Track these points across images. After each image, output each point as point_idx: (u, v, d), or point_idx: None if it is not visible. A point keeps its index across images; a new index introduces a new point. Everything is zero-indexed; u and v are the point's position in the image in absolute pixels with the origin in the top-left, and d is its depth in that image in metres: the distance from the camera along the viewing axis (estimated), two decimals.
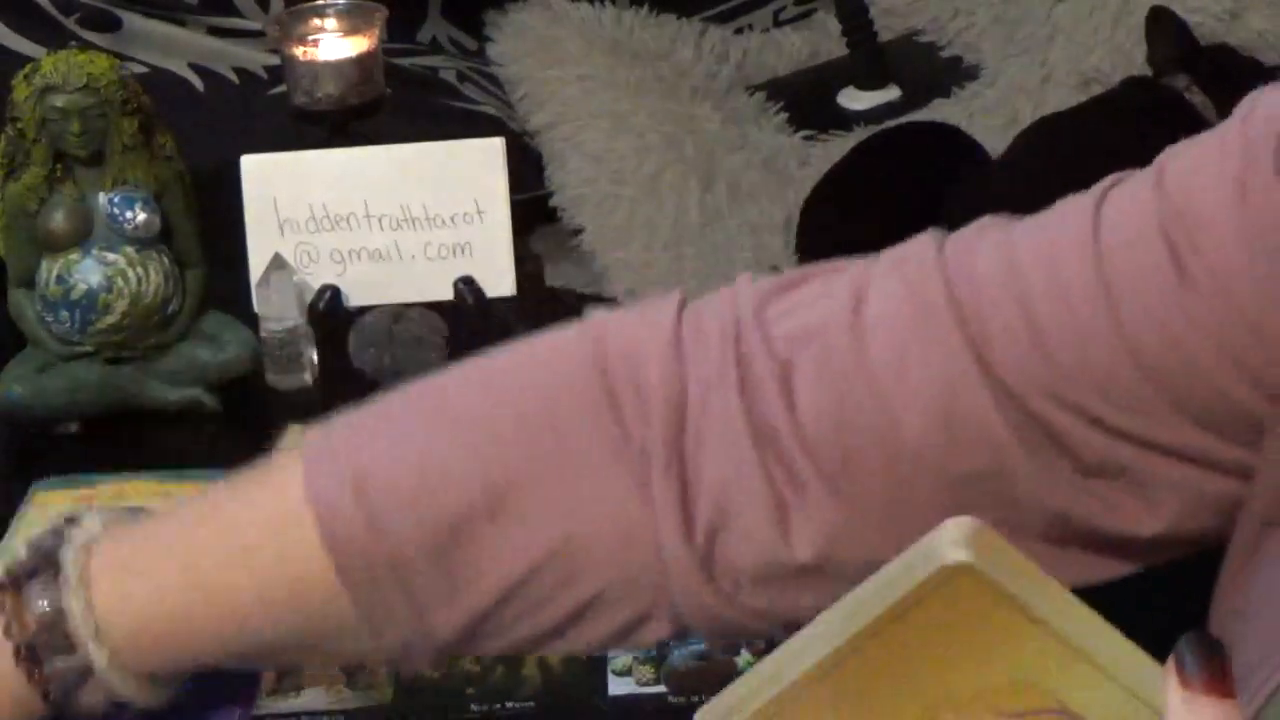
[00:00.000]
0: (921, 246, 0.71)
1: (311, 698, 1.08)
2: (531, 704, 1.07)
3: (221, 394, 1.39)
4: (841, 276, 0.73)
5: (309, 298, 1.40)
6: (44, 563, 0.77)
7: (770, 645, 0.60)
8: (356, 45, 1.51)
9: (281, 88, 1.64)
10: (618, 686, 1.07)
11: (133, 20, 2.33)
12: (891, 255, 0.73)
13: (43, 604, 0.76)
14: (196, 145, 1.48)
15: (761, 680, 0.57)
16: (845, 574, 0.65)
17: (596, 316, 0.75)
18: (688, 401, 0.70)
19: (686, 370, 0.71)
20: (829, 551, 0.70)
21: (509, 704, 1.07)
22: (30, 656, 0.76)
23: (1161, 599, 1.06)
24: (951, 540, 0.59)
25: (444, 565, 0.72)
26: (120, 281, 1.36)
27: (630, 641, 0.75)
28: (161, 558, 0.76)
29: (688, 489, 0.70)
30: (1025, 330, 0.67)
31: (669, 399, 0.70)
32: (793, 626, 0.65)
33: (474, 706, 1.07)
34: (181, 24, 2.38)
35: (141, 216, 1.36)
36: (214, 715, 0.80)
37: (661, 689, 1.07)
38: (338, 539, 0.72)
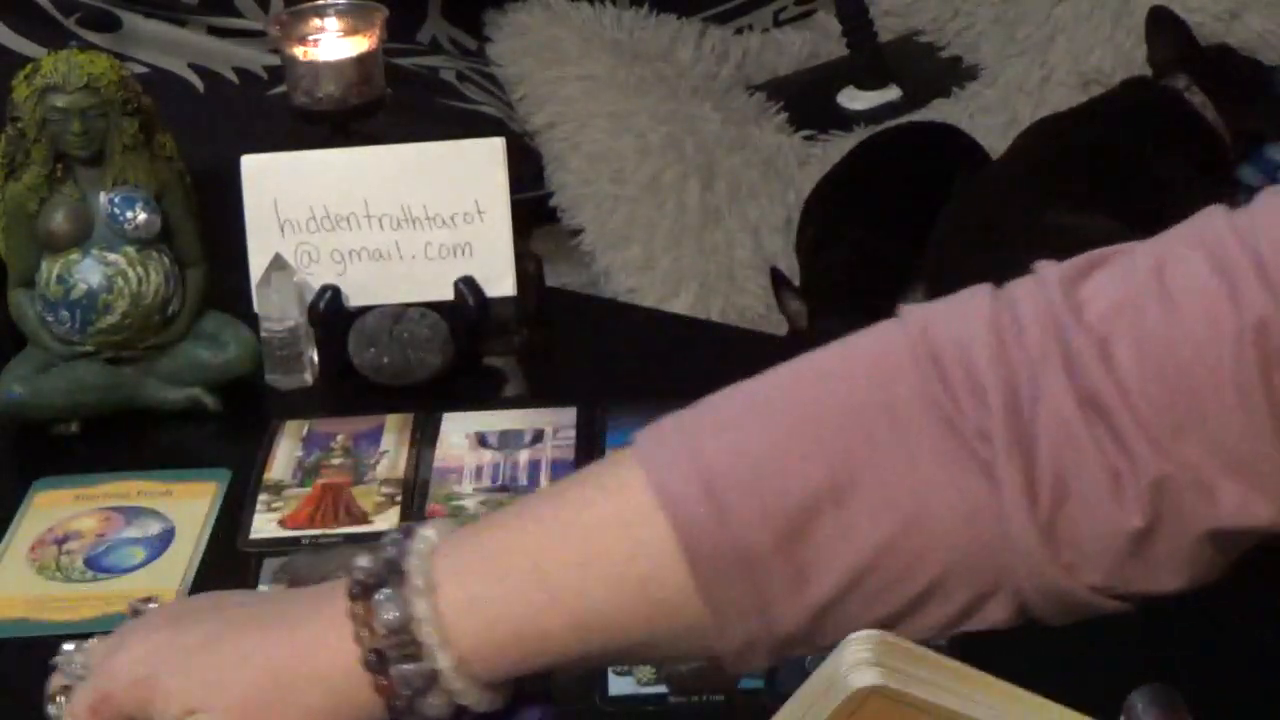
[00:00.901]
0: (1210, 216, 0.77)
1: None
2: None
3: (221, 394, 1.39)
4: (1135, 255, 0.76)
5: (309, 298, 1.40)
6: (390, 571, 0.78)
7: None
8: (356, 45, 1.51)
9: (281, 88, 1.64)
10: (618, 686, 1.07)
11: (133, 20, 2.34)
12: (1181, 228, 0.78)
13: (392, 612, 0.77)
14: (196, 145, 1.48)
15: None
16: (1176, 541, 0.70)
17: (913, 310, 0.78)
18: (1019, 383, 0.73)
19: (1011, 354, 0.74)
20: (1158, 514, 0.72)
21: None
22: (378, 663, 0.78)
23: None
24: (857, 662, 0.60)
25: (790, 554, 0.74)
26: (120, 281, 1.36)
27: (968, 624, 0.77)
28: (506, 563, 0.78)
29: (1030, 466, 0.72)
30: None
31: (1001, 381, 0.73)
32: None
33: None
34: (181, 24, 2.39)
35: (142, 216, 1.36)
36: (523, 712, 0.81)
37: (661, 689, 1.07)
38: (690, 534, 0.74)
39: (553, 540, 0.78)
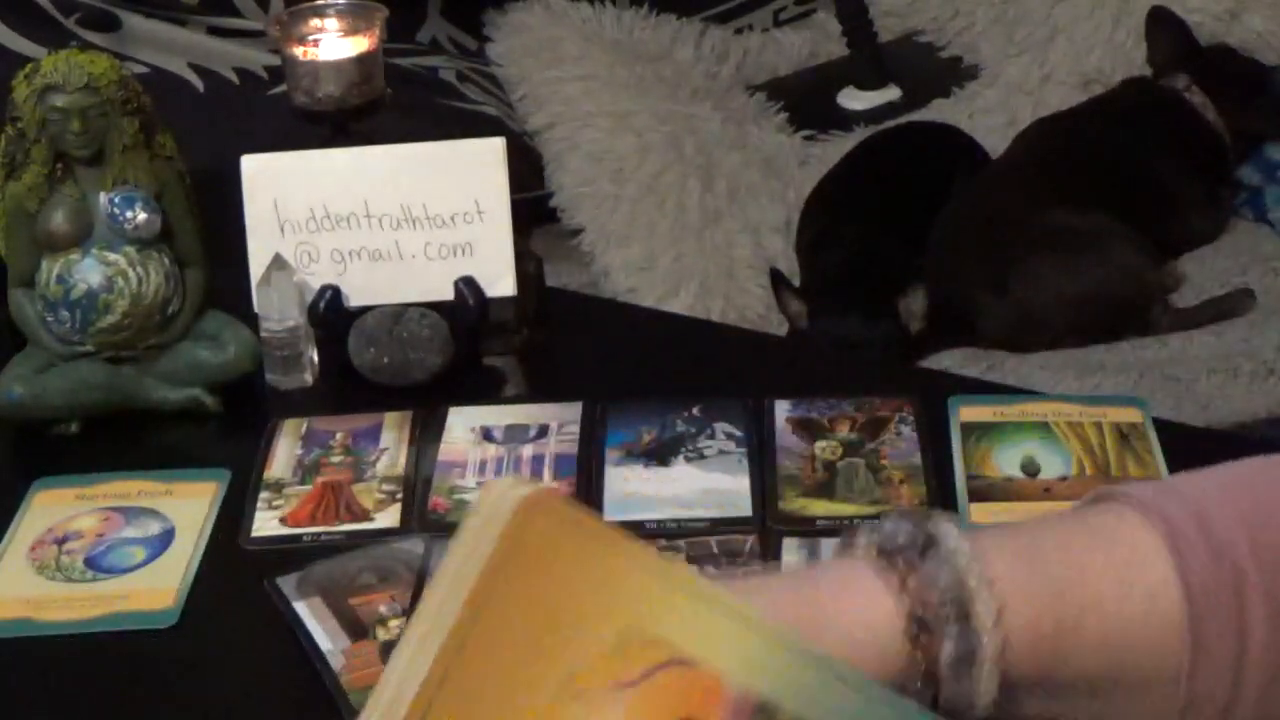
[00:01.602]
0: None
1: None
2: None
3: (221, 394, 1.39)
4: None
5: (309, 298, 1.40)
6: (927, 539, 0.75)
7: None
8: (356, 45, 1.51)
9: (281, 88, 1.64)
10: None
11: (133, 20, 2.34)
12: None
13: (944, 576, 0.74)
14: (196, 145, 1.48)
15: (400, 679, 0.58)
16: None
17: None
18: None
19: None
20: None
21: None
22: (923, 630, 0.74)
23: None
24: (508, 485, 0.60)
25: (1274, 589, 0.75)
26: (120, 281, 1.36)
27: None
28: (1050, 558, 0.76)
29: None
30: None
31: None
32: None
33: None
34: (181, 24, 2.39)
35: (142, 216, 1.36)
36: None
37: None
38: (1185, 560, 0.75)
39: (1082, 550, 0.76)
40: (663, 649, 0.60)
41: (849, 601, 0.75)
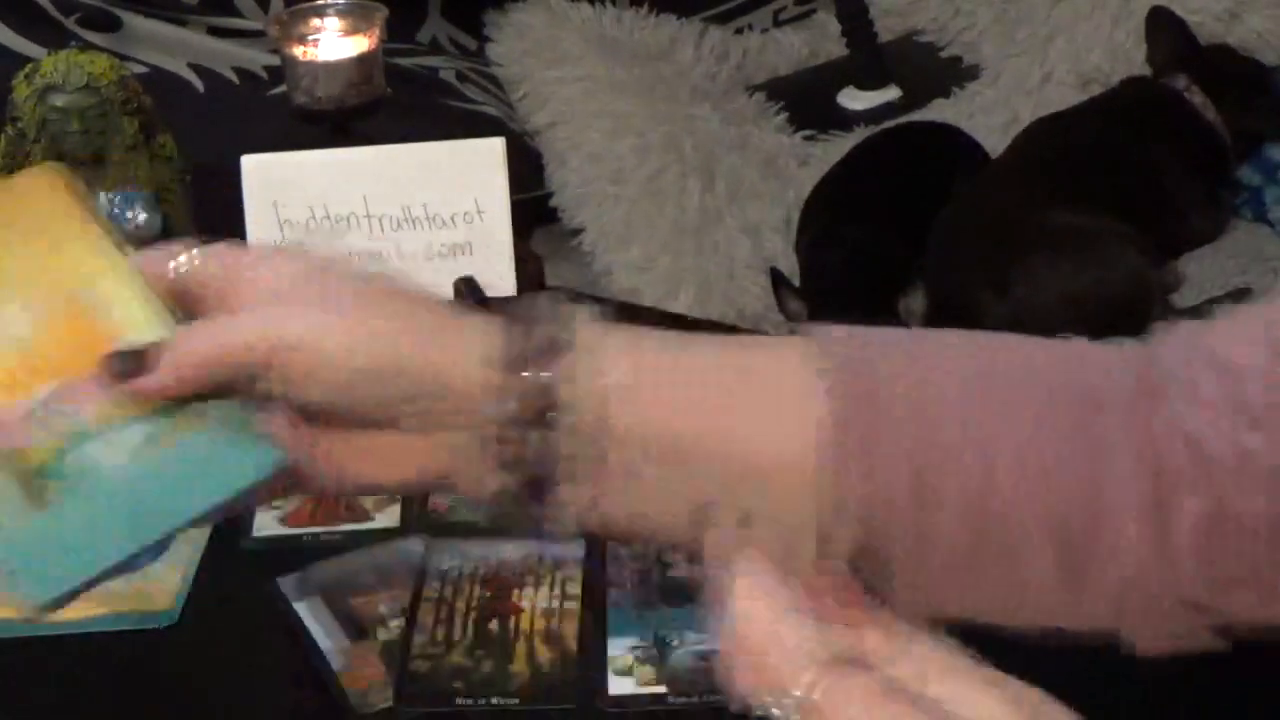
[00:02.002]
0: None
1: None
2: (516, 700, 1.07)
3: None
4: None
5: None
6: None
7: None
8: (356, 45, 1.51)
9: (281, 88, 1.64)
10: (618, 686, 1.07)
11: (133, 20, 2.34)
12: None
13: (544, 331, 0.73)
14: (196, 145, 1.48)
15: None
16: None
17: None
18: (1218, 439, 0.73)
19: (1222, 421, 0.73)
20: None
21: (494, 700, 1.07)
22: (513, 361, 0.72)
23: None
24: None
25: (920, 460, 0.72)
26: None
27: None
28: (667, 356, 0.76)
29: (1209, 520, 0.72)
30: None
31: (1205, 430, 0.73)
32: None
33: (459, 700, 1.07)
34: (181, 24, 2.39)
35: (142, 216, 1.36)
36: None
37: (661, 689, 1.07)
38: (843, 420, 0.72)
39: (718, 354, 0.76)
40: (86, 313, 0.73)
41: (453, 332, 0.73)
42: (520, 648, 1.10)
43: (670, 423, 0.73)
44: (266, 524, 1.25)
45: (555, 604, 1.13)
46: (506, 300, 0.76)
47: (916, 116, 2.59)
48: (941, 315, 2.15)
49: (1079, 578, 0.74)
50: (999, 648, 0.73)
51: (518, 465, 0.72)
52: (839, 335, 0.75)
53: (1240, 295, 2.15)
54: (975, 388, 0.77)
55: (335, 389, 0.72)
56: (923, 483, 0.73)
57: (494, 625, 1.12)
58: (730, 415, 0.74)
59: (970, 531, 0.73)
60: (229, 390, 0.73)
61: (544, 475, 0.72)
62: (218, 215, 1.42)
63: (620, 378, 0.73)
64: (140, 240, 1.36)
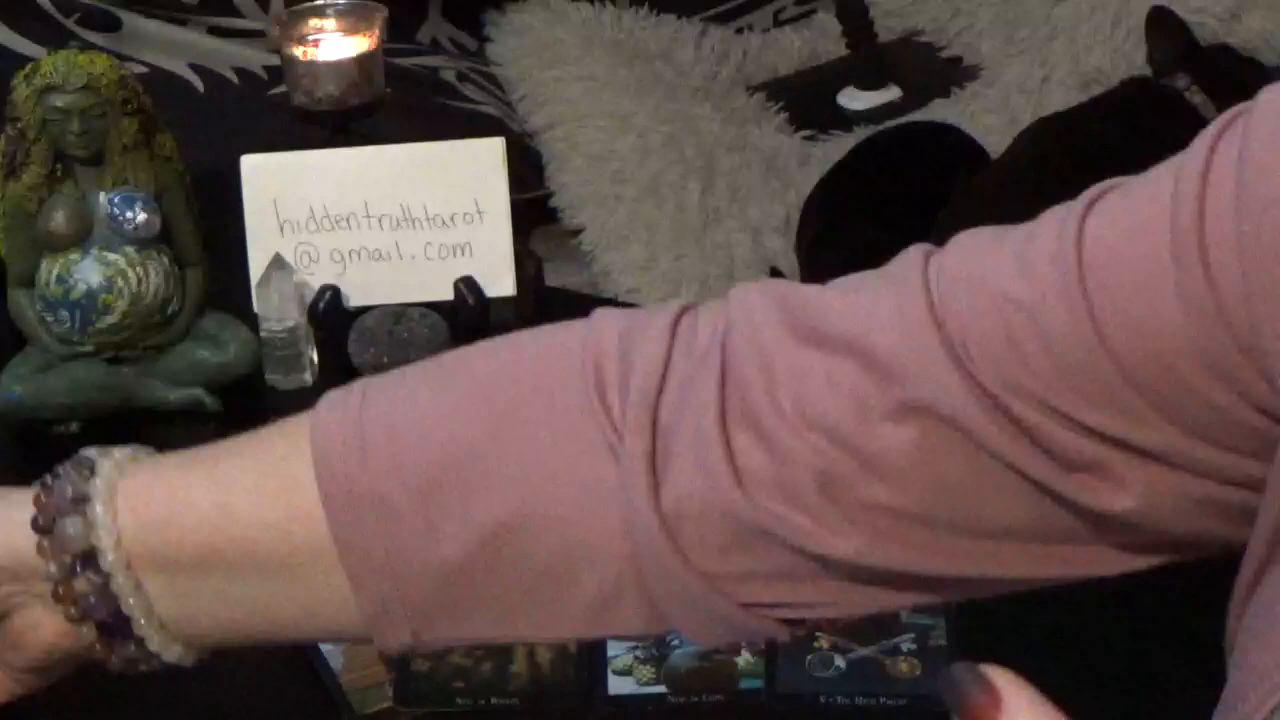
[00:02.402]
0: (907, 261, 0.73)
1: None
2: (516, 701, 1.07)
3: (221, 394, 1.39)
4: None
5: (309, 298, 1.40)
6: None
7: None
8: (356, 45, 1.51)
9: (281, 88, 1.64)
10: (618, 686, 1.07)
11: (133, 20, 2.34)
12: (884, 269, 0.74)
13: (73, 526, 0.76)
14: (196, 145, 1.48)
15: None
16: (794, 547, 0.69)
17: (605, 311, 0.77)
18: (668, 376, 0.72)
19: (674, 353, 0.73)
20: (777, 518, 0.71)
21: (494, 700, 1.07)
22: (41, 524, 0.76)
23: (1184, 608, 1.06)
24: None
25: (424, 510, 0.73)
26: (120, 281, 1.36)
27: (606, 624, 0.75)
28: (187, 480, 0.78)
29: (656, 455, 0.71)
30: (1001, 337, 0.67)
31: (650, 373, 0.72)
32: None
33: (459, 701, 1.07)
34: (181, 24, 2.39)
35: (141, 216, 1.36)
36: None
37: (661, 689, 1.07)
38: (329, 472, 0.74)
39: (232, 467, 0.78)
40: None
41: None
42: (520, 648, 1.10)
43: (190, 541, 0.76)
44: None
45: None
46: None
47: (916, 116, 2.59)
48: None
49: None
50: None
51: (83, 616, 0.76)
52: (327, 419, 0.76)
53: None
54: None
55: None
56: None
57: None
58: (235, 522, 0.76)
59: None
60: None
61: (113, 616, 0.77)
62: (218, 215, 1.42)
63: (136, 512, 0.77)
64: (140, 240, 1.36)
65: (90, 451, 0.78)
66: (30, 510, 0.76)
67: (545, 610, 0.75)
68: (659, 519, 0.71)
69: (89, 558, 0.75)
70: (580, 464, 0.73)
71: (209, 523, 0.76)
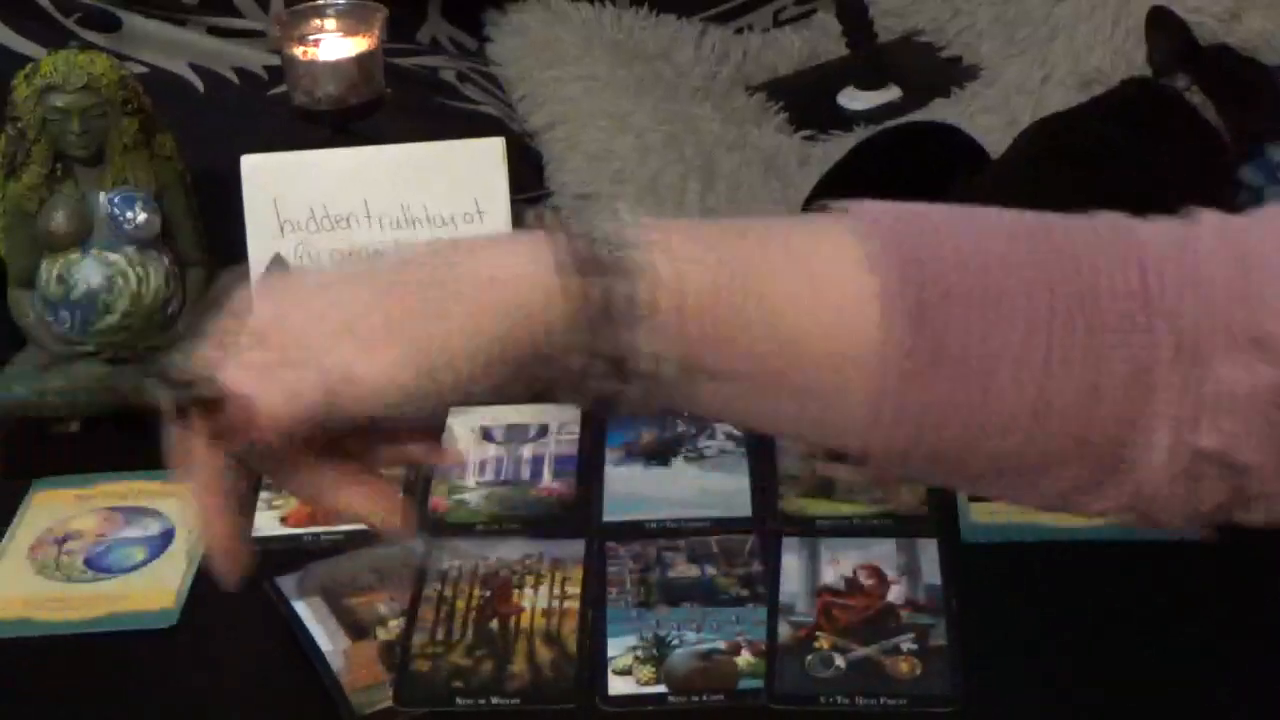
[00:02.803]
0: None
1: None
2: (516, 701, 1.07)
3: None
4: None
5: None
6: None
7: None
8: (356, 45, 1.51)
9: (281, 88, 1.64)
10: (618, 686, 1.07)
11: (133, 20, 2.33)
12: None
13: (602, 225, 0.78)
14: (196, 145, 1.48)
15: None
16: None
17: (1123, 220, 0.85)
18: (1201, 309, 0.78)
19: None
20: None
21: (494, 700, 1.07)
22: (577, 269, 0.74)
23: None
24: None
25: (971, 340, 0.75)
26: (120, 281, 1.36)
27: (1077, 501, 0.78)
28: (722, 247, 0.77)
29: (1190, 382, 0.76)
30: None
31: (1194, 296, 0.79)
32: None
33: (459, 701, 1.07)
34: (181, 24, 2.38)
35: (141, 216, 1.36)
36: None
37: (661, 689, 1.07)
38: (885, 285, 0.74)
39: (766, 248, 0.77)
40: None
41: (491, 249, 0.75)
42: (520, 647, 1.10)
43: (725, 319, 0.74)
44: (266, 524, 1.25)
45: (555, 604, 1.14)
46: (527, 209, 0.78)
47: (916, 116, 2.58)
48: None
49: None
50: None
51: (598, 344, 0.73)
52: (878, 213, 0.77)
53: None
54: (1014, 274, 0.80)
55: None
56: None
57: (494, 625, 1.12)
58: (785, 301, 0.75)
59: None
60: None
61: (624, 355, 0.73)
62: (218, 215, 1.42)
63: (690, 276, 0.74)
64: (140, 240, 1.36)
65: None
66: (552, 249, 0.74)
67: (1032, 480, 0.77)
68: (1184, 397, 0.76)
69: (625, 305, 0.73)
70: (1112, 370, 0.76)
71: (761, 334, 0.74)
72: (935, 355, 0.74)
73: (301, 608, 1.15)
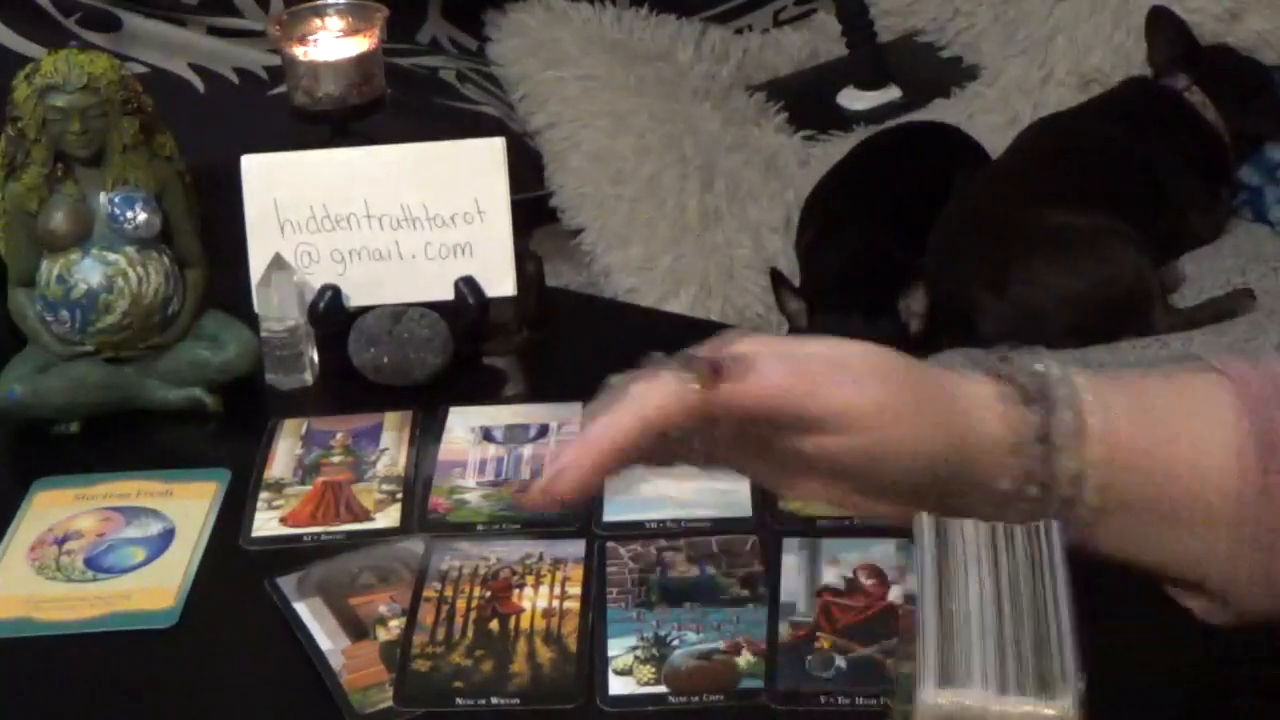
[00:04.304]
0: None
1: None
2: (516, 701, 1.07)
3: (221, 394, 1.39)
4: None
5: (309, 298, 1.40)
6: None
7: None
8: (356, 45, 1.51)
9: (281, 88, 1.64)
10: (618, 686, 1.07)
11: (133, 20, 2.34)
12: None
13: (1041, 369, 0.87)
14: (196, 145, 1.48)
15: None
16: None
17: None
18: None
19: None
20: None
21: (494, 700, 1.07)
22: (1027, 400, 0.86)
23: None
24: None
25: None
26: (120, 281, 1.36)
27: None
28: (1130, 393, 0.87)
29: None
30: None
31: None
32: None
33: (459, 701, 1.07)
34: (181, 24, 2.39)
35: (141, 216, 1.36)
36: None
37: (662, 689, 1.07)
38: (1256, 421, 0.86)
39: (1167, 393, 0.88)
40: None
41: (963, 383, 0.87)
42: (520, 648, 1.10)
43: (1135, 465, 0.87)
44: (266, 524, 1.25)
45: (555, 604, 1.14)
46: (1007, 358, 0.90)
47: (916, 116, 2.59)
48: (941, 315, 2.15)
49: None
50: None
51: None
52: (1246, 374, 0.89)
53: (1240, 295, 2.15)
54: None
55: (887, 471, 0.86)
56: None
57: (494, 625, 1.12)
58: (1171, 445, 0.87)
59: None
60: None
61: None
62: (218, 215, 1.42)
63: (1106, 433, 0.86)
64: (140, 240, 1.36)
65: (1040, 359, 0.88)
66: (1016, 428, 0.85)
67: None
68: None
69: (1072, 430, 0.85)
70: None
71: (1160, 476, 0.86)
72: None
73: (301, 608, 1.15)
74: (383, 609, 1.14)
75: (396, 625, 1.13)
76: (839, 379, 0.85)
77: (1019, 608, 0.85)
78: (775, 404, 0.85)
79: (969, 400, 0.85)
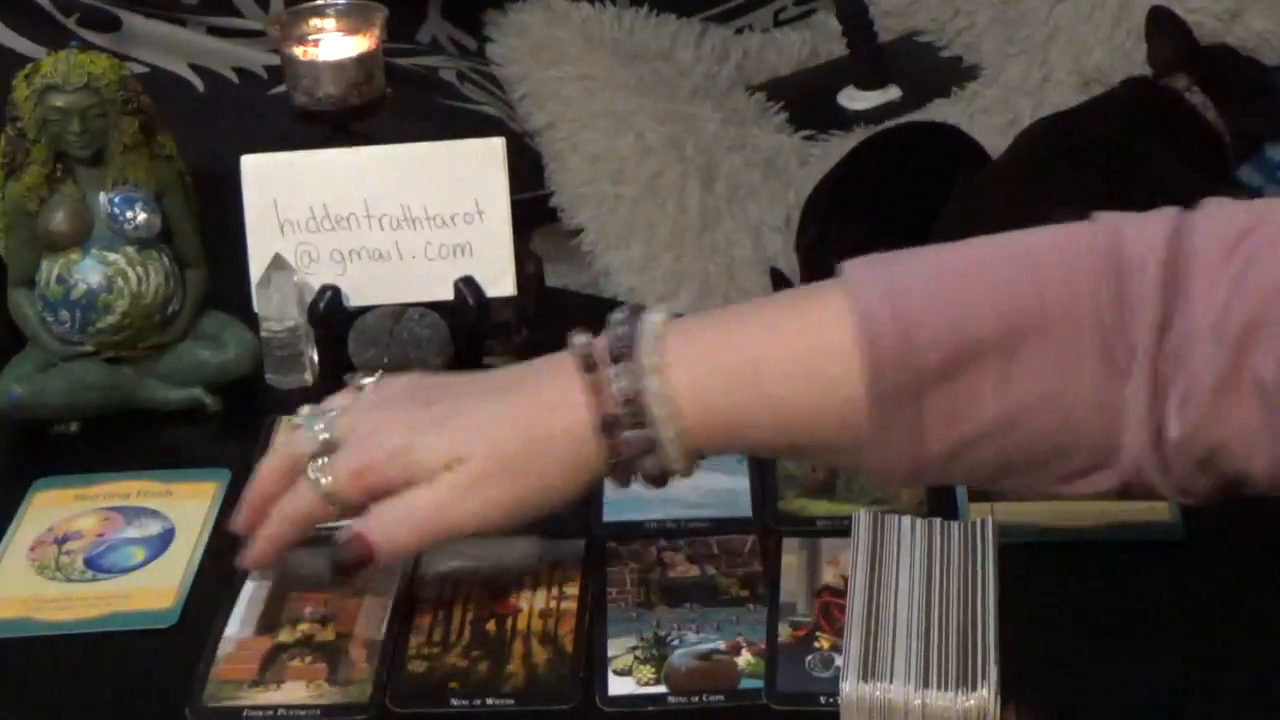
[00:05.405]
0: None
1: (291, 692, 1.07)
2: (512, 702, 1.07)
3: (221, 394, 1.39)
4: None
5: (309, 298, 1.40)
6: (621, 349, 0.95)
7: None
8: (356, 45, 1.51)
9: (281, 88, 1.64)
10: (618, 686, 1.07)
11: (133, 20, 2.34)
12: None
13: (624, 384, 0.95)
14: (196, 145, 1.48)
15: None
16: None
17: (1107, 218, 0.95)
18: (1173, 306, 0.85)
19: (1178, 284, 0.86)
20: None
21: (490, 701, 1.07)
22: (608, 427, 0.96)
23: None
24: None
25: (953, 386, 0.85)
26: (120, 281, 1.36)
27: (1078, 486, 0.90)
28: (727, 357, 0.94)
29: (1159, 384, 0.85)
30: None
31: (1164, 303, 0.85)
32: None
33: (455, 701, 1.07)
34: (181, 24, 2.39)
35: (142, 216, 1.36)
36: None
37: (661, 689, 1.07)
38: (872, 342, 0.88)
39: (767, 343, 0.93)
40: None
41: (562, 407, 0.98)
42: (517, 648, 1.10)
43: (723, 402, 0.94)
44: None
45: (553, 604, 1.14)
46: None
47: (916, 116, 2.59)
48: None
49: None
50: None
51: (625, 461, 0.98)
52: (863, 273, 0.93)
53: None
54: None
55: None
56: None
57: (491, 626, 1.12)
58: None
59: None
60: None
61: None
62: (218, 215, 1.42)
63: (681, 374, 0.94)
64: (140, 240, 1.36)
65: (645, 327, 0.97)
66: (589, 406, 0.96)
67: (1028, 476, 0.90)
68: (1153, 447, 0.86)
69: (651, 446, 0.97)
70: (1093, 376, 0.86)
71: (757, 414, 0.93)
72: (916, 396, 0.88)
73: (247, 588, 1.15)
74: (307, 610, 1.14)
75: (304, 629, 1.12)
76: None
77: (947, 603, 0.87)
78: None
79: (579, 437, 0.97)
